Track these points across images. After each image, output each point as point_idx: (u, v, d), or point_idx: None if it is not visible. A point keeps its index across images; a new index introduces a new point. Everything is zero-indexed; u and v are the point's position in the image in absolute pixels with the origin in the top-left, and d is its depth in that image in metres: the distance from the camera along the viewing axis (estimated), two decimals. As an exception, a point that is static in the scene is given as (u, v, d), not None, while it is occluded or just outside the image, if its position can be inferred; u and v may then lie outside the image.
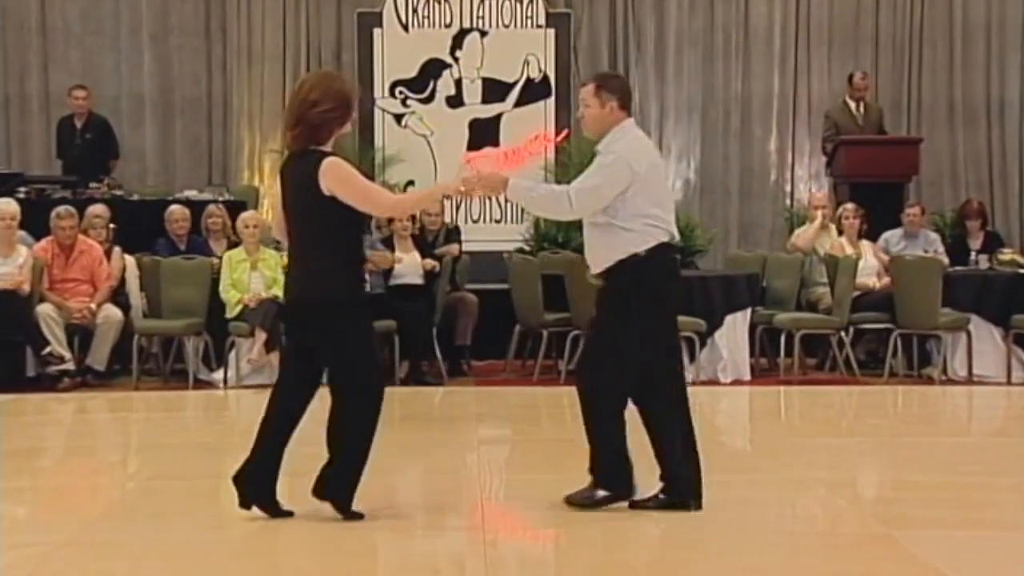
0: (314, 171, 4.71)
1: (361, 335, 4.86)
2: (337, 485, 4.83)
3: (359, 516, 4.82)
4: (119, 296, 9.33)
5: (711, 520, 4.70)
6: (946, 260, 9.74)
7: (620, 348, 4.85)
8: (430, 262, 9.49)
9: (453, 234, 10.15)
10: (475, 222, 11.93)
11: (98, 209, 9.67)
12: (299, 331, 4.95)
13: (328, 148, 4.81)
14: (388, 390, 8.86)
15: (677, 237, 5.04)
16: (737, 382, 9.16)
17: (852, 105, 11.35)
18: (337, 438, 4.85)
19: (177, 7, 12.36)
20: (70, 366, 8.86)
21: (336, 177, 4.71)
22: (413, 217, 9.79)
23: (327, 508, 4.84)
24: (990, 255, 9.94)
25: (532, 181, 5.21)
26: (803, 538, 4.91)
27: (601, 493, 4.86)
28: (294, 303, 4.92)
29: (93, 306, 9.02)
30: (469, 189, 4.93)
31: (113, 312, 9.08)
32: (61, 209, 9.29)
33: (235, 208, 9.98)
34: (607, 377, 4.87)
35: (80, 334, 9.04)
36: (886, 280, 9.66)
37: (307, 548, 4.61)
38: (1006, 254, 9.95)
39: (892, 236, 10.13)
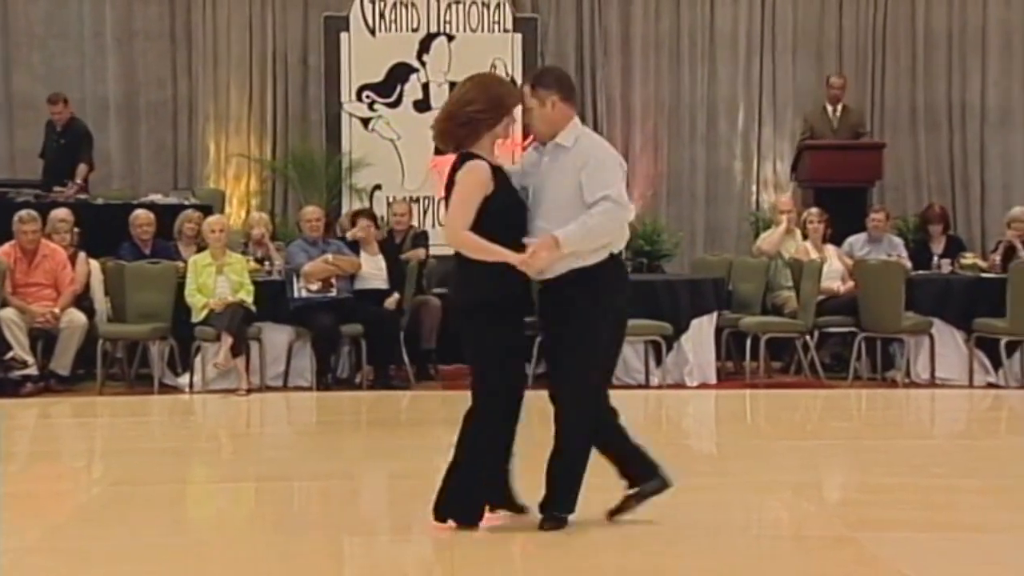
0: (456, 173, 4.60)
1: (493, 338, 4.57)
2: (451, 499, 4.66)
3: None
4: (83, 301, 9.26)
5: (678, 523, 4.72)
6: (909, 264, 9.82)
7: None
8: (394, 300, 9.23)
9: (420, 239, 10.12)
10: (442, 226, 11.91)
11: (62, 213, 9.60)
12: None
13: (480, 151, 4.61)
14: (354, 395, 8.96)
15: None
16: (703, 385, 9.21)
17: (829, 109, 11.45)
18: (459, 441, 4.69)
19: (141, 10, 12.30)
20: (33, 371, 8.78)
21: (460, 176, 4.57)
22: (376, 221, 9.78)
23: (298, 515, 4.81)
24: (952, 259, 10.04)
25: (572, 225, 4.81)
26: (769, 541, 4.93)
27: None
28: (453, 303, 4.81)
29: (57, 310, 8.95)
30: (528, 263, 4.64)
31: (77, 316, 9.01)
32: (24, 213, 9.21)
33: (201, 212, 9.94)
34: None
35: (44, 339, 8.96)
36: (850, 284, 9.74)
37: (274, 553, 4.59)
38: (968, 258, 10.04)
39: (856, 240, 10.21)
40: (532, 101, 4.70)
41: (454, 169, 4.64)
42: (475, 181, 4.55)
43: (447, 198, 4.66)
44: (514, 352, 4.67)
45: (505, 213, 4.58)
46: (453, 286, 4.74)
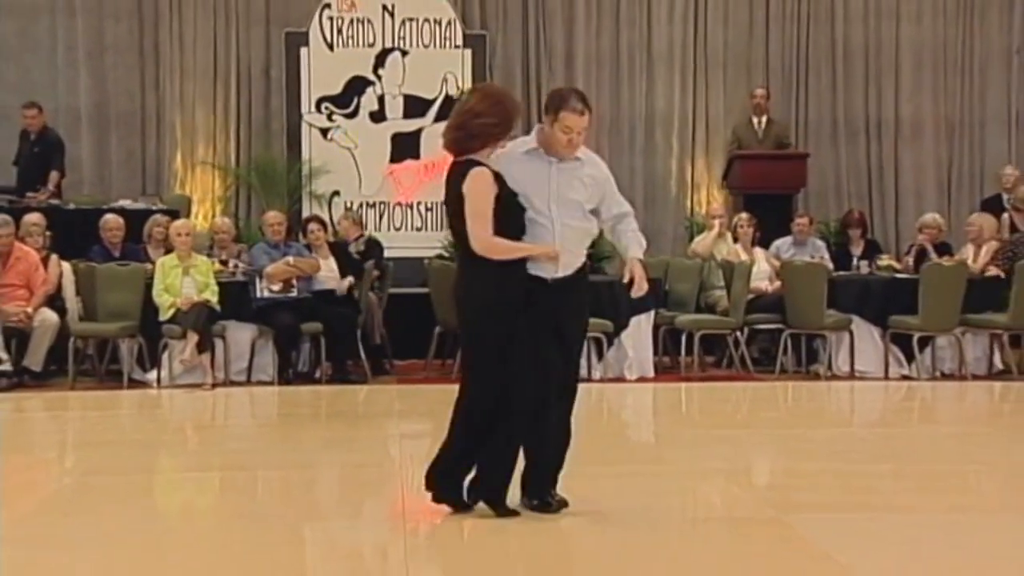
0: (462, 179, 4.54)
1: (502, 336, 4.59)
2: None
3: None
4: (55, 300, 9.13)
5: (618, 509, 4.72)
6: (831, 266, 9.91)
7: None
8: (346, 283, 9.24)
9: (374, 249, 9.95)
10: (397, 230, 11.90)
11: (34, 217, 9.47)
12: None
13: (480, 157, 4.57)
14: (314, 389, 8.90)
15: None
16: (642, 379, 9.23)
17: (755, 121, 11.53)
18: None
19: (112, 26, 12.13)
20: (7, 367, 8.66)
21: (469, 185, 4.52)
22: (324, 226, 9.71)
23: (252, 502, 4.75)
24: (870, 261, 10.15)
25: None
26: (702, 524, 4.95)
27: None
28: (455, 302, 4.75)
29: (30, 310, 8.82)
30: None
31: (49, 315, 8.88)
32: (-2, 218, 9.07)
33: (169, 216, 9.83)
34: None
35: (17, 337, 8.82)
36: (777, 284, 9.81)
37: (235, 539, 4.54)
38: (884, 260, 10.16)
39: (783, 243, 10.30)
40: (585, 122, 4.64)
41: (452, 175, 4.60)
42: (484, 188, 4.53)
43: (448, 204, 4.62)
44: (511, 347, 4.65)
45: (507, 212, 4.57)
46: (459, 287, 4.70)
